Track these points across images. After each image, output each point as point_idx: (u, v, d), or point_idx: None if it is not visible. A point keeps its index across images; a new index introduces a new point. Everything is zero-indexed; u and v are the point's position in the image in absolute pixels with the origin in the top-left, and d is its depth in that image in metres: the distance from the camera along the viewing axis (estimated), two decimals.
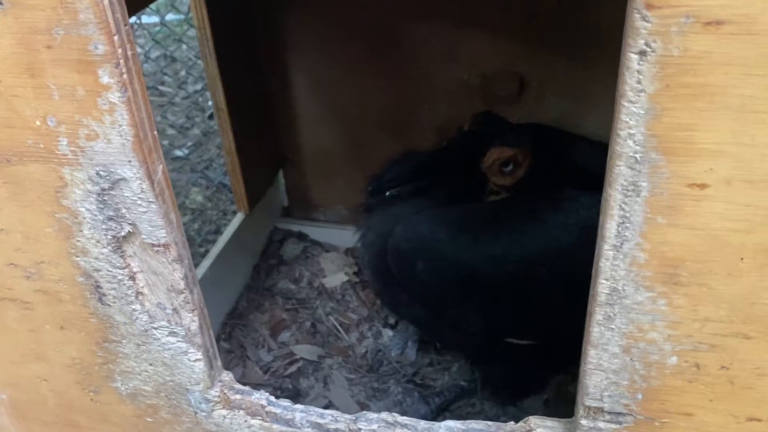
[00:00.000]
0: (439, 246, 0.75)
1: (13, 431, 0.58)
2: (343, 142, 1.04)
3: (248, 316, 0.99)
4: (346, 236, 1.02)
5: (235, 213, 1.08)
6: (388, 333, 0.95)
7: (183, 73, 1.85)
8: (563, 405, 0.85)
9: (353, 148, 1.04)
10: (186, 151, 1.57)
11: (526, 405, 0.86)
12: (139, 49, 1.95)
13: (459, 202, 0.80)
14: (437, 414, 0.85)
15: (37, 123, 0.40)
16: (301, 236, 1.12)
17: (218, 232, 1.26)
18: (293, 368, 0.90)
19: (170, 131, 1.65)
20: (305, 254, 1.08)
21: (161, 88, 1.85)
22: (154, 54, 1.99)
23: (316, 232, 1.12)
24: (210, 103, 1.66)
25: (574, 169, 0.80)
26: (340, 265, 1.05)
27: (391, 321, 0.96)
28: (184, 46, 1.95)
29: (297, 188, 1.12)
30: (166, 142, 1.60)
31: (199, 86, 1.79)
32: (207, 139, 1.58)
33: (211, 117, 1.58)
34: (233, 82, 0.93)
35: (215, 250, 0.97)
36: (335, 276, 1.02)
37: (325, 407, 0.86)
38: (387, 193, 0.79)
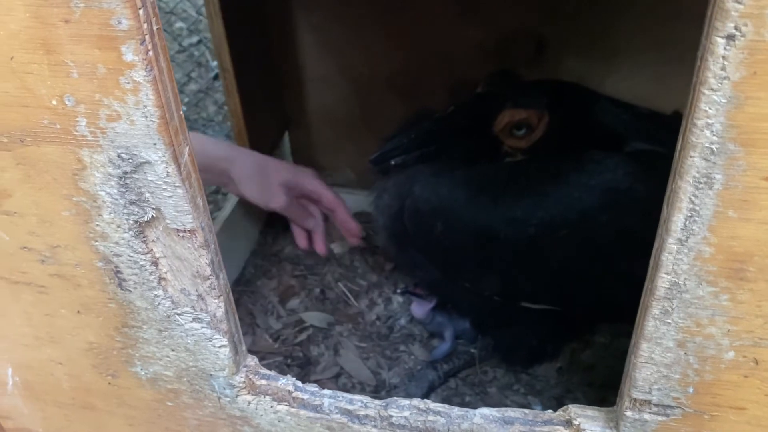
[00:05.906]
0: (458, 207, 0.73)
1: (26, 412, 0.57)
2: (352, 104, 1.00)
3: (256, 282, 0.97)
4: (355, 200, 1.00)
5: None
6: (398, 299, 0.93)
7: (178, 25, 1.78)
8: (576, 373, 0.84)
9: (362, 110, 1.00)
10: (184, 109, 1.52)
11: (539, 373, 0.85)
12: None
13: (474, 165, 0.78)
14: (444, 380, 0.84)
15: (54, 102, 0.37)
16: None
17: (218, 192, 1.23)
18: (303, 336, 0.89)
19: None
20: None
21: None
22: None
23: None
24: (210, 61, 1.61)
25: (596, 129, 0.78)
26: None
27: (401, 288, 0.94)
28: None
29: (303, 151, 1.08)
30: None
31: (194, 39, 1.72)
32: (206, 96, 1.52)
33: (216, 77, 1.52)
34: (239, 42, 0.89)
35: (221, 215, 0.94)
36: (344, 241, 1.00)
37: (337, 375, 0.85)
38: (392, 162, 0.76)
